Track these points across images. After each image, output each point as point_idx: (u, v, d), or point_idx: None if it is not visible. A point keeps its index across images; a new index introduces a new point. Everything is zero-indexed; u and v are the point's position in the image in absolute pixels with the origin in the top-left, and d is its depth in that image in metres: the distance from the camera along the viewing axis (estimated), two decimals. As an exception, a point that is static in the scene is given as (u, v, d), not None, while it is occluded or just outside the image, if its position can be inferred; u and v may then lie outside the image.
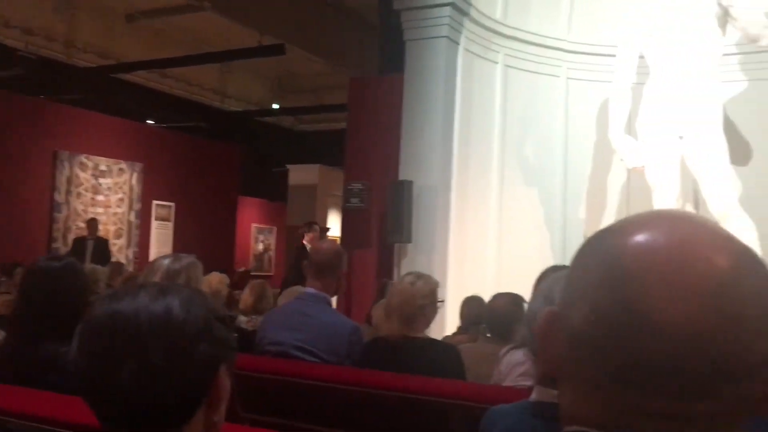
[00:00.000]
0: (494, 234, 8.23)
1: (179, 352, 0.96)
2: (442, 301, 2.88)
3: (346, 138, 8.59)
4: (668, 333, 0.57)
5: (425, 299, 2.71)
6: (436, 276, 3.05)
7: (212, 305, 1.06)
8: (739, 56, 8.32)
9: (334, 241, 4.62)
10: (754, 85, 8.44)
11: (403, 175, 7.66)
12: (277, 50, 11.05)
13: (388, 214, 7.64)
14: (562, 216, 8.71)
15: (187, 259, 2.44)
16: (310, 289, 2.92)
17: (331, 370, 2.74)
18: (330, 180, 16.41)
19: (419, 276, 2.83)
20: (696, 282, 0.58)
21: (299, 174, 17.14)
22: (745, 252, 0.62)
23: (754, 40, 6.84)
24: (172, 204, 13.53)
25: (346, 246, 8.28)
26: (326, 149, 14.95)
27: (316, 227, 8.07)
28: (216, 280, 4.44)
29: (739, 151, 8.29)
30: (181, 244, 12.79)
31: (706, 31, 6.85)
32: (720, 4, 6.68)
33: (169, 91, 14.43)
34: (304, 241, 8.14)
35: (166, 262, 2.41)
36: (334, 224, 15.84)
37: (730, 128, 7.98)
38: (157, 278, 2.29)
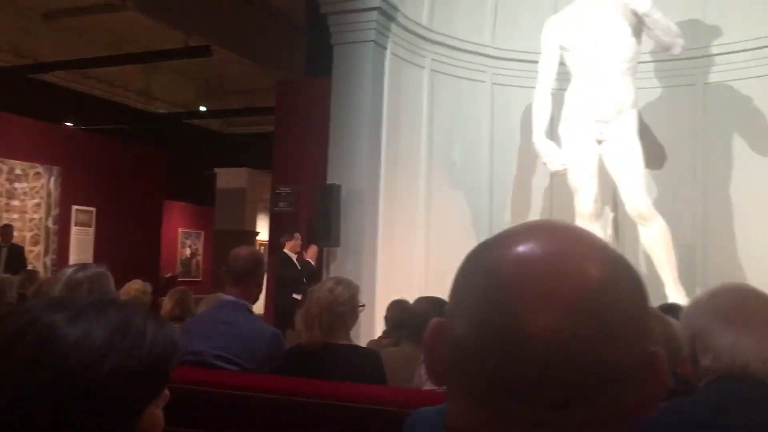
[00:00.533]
0: (422, 237, 8.30)
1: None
2: (363, 306, 2.87)
3: (274, 141, 8.50)
4: (539, 342, 0.57)
5: (345, 306, 2.70)
6: (365, 279, 3.05)
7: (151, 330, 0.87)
8: (653, 64, 8.68)
9: (252, 246, 4.49)
10: (668, 92, 8.82)
11: (331, 179, 7.64)
12: (203, 52, 10.83)
13: (316, 218, 7.61)
14: (489, 218, 8.86)
15: (94, 269, 2.34)
16: (229, 297, 2.86)
17: (250, 378, 2.70)
18: (258, 184, 16.21)
19: (338, 282, 2.81)
20: (566, 292, 0.58)
21: (227, 178, 16.86)
22: (618, 262, 0.63)
23: (666, 48, 7.14)
24: (92, 209, 13.05)
25: (275, 250, 8.21)
26: (254, 153, 14.74)
27: (298, 235, 7.89)
28: (135, 288, 4.30)
29: (655, 155, 8.64)
30: (102, 250, 12.37)
31: (622, 40, 7.11)
32: (635, 14, 6.94)
33: (90, 92, 13.94)
34: (286, 250, 7.92)
35: (69, 271, 2.31)
36: (262, 229, 15.66)
37: (645, 133, 8.31)
38: (58, 288, 2.19)
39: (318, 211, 7.53)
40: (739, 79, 8.36)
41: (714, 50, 8.53)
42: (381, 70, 7.94)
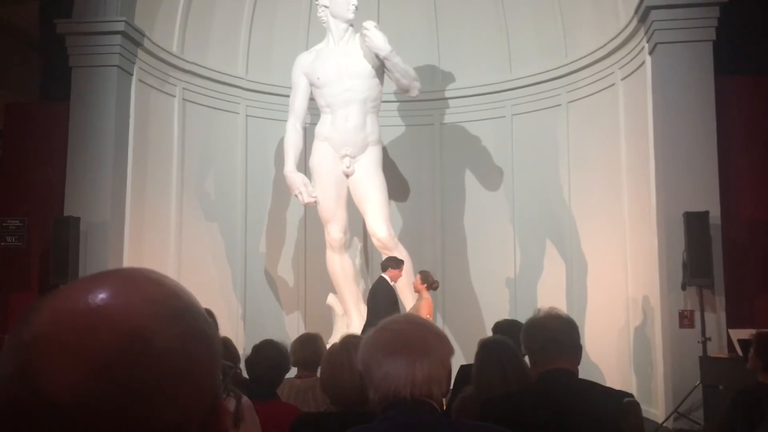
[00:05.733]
0: (173, 269, 7.97)
1: None
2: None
3: (1, 168, 7.65)
4: (55, 402, 0.53)
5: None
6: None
7: None
8: (397, 103, 9.35)
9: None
10: (410, 130, 9.54)
11: (68, 211, 7.06)
12: None
13: (51, 253, 6.95)
14: (243, 250, 8.81)
15: None
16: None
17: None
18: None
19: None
20: (91, 349, 0.55)
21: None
22: (182, 314, 0.61)
23: (405, 90, 7.73)
24: None
25: (1, 290, 7.35)
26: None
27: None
28: None
29: (400, 189, 9.27)
30: None
31: (367, 80, 7.56)
32: (378, 57, 7.42)
33: None
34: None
35: None
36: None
37: (391, 167, 8.90)
38: None
39: (53, 246, 6.88)
40: (471, 121, 9.32)
41: (448, 93, 9.42)
42: (126, 97, 7.55)
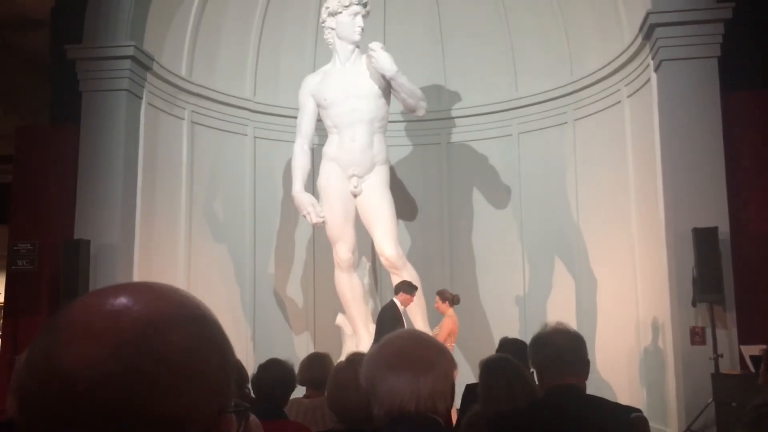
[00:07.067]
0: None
1: None
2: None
3: (12, 192, 7.72)
4: (69, 374, 0.58)
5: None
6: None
7: None
8: (404, 123, 9.40)
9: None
10: (417, 150, 9.58)
11: (78, 234, 7.11)
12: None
13: (62, 276, 6.99)
14: (252, 271, 8.83)
15: None
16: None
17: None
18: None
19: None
20: (109, 331, 0.60)
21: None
22: (196, 322, 0.65)
23: (412, 110, 7.77)
24: None
25: (12, 314, 7.39)
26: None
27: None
28: None
29: (408, 208, 9.29)
30: None
31: (374, 100, 7.61)
32: (384, 77, 7.47)
33: None
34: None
35: None
36: None
37: (399, 187, 8.92)
38: None
39: (64, 270, 6.93)
40: (478, 140, 9.35)
41: (455, 113, 9.46)
42: (136, 120, 7.64)
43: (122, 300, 0.63)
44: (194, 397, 0.62)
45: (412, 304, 6.99)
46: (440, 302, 6.98)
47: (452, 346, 6.79)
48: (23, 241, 7.33)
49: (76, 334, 0.60)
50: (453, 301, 7.00)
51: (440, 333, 6.71)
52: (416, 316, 7.39)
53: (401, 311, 6.79)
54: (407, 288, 6.88)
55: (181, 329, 0.63)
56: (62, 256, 6.97)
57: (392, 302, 6.84)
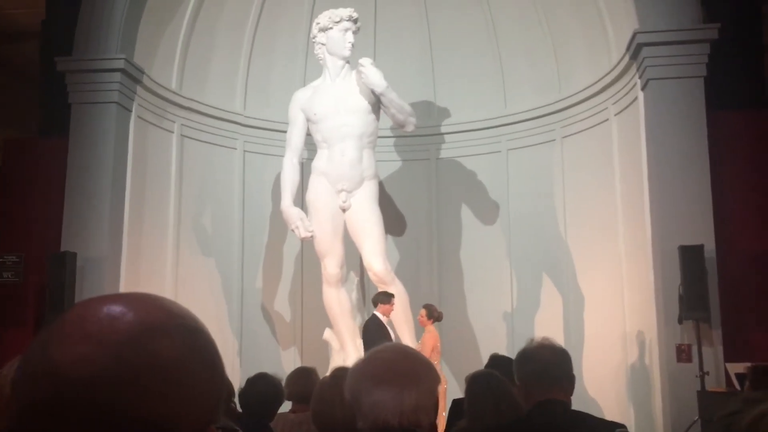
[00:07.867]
0: (169, 306, 7.94)
1: None
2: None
3: (-1, 204, 7.68)
4: (60, 372, 0.59)
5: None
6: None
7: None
8: (394, 138, 9.43)
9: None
10: (406, 165, 9.60)
11: (65, 246, 7.07)
12: None
13: (47, 288, 6.94)
14: (240, 284, 8.79)
15: None
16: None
17: None
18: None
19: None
20: (104, 332, 0.61)
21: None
22: (189, 334, 0.66)
23: (401, 125, 7.79)
24: None
25: (-4, 326, 7.31)
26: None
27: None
28: None
29: (397, 223, 9.30)
30: None
31: (363, 115, 7.63)
32: (374, 93, 7.50)
33: None
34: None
35: None
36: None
37: (388, 202, 8.94)
38: None
39: (50, 282, 6.88)
40: (466, 156, 9.39)
41: (444, 129, 9.51)
42: (125, 133, 7.63)
43: (119, 306, 0.65)
44: (182, 405, 0.62)
45: (396, 314, 7.00)
46: (425, 317, 7.03)
47: (438, 362, 6.78)
48: (9, 253, 7.28)
49: (71, 333, 0.62)
50: (437, 318, 7.08)
51: (423, 349, 6.71)
52: (403, 330, 7.38)
53: (385, 322, 6.82)
54: (383, 298, 6.93)
55: (174, 338, 0.64)
56: (48, 268, 6.92)
57: (374, 316, 6.88)
